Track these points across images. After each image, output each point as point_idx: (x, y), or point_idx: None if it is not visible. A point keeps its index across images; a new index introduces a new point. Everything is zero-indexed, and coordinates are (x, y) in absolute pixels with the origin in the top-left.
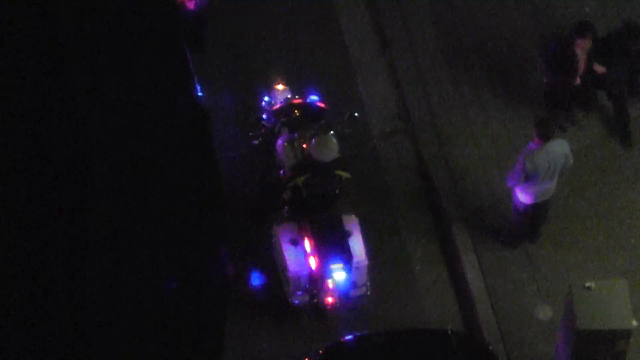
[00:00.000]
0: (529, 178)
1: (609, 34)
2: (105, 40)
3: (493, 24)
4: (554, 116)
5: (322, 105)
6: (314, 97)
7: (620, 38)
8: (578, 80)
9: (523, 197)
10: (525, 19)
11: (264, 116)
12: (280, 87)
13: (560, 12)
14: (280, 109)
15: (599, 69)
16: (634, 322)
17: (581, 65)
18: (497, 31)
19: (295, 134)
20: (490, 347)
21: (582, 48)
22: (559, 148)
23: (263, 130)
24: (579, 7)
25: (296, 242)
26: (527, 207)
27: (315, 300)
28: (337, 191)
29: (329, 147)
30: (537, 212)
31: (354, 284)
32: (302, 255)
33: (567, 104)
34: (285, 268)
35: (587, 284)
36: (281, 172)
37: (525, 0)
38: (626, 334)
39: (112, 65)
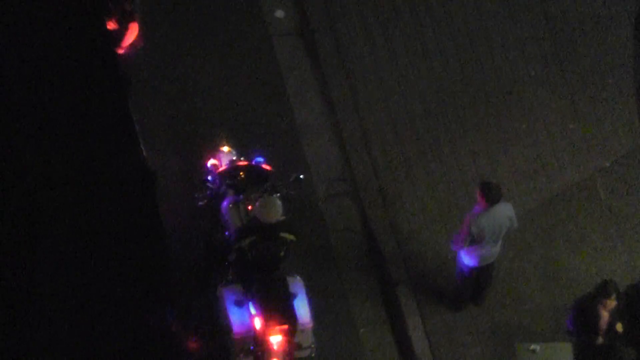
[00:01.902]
0: (474, 241)
1: (629, 288)
2: (50, 95)
3: (437, 87)
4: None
5: (267, 167)
6: (259, 159)
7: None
8: (601, 340)
9: (468, 260)
10: (472, 79)
11: (209, 178)
12: (225, 149)
13: (503, 67)
14: (226, 171)
15: (621, 328)
16: None
17: (603, 325)
18: (441, 93)
19: (241, 196)
20: None
21: (606, 308)
22: (504, 211)
23: (208, 192)
24: (525, 70)
25: (241, 304)
26: (472, 270)
27: None
28: (282, 253)
29: (274, 209)
30: (481, 275)
31: (298, 346)
32: (247, 317)
33: None
34: (230, 329)
35: (532, 347)
36: (227, 233)
37: (469, 62)
38: None
39: (56, 126)
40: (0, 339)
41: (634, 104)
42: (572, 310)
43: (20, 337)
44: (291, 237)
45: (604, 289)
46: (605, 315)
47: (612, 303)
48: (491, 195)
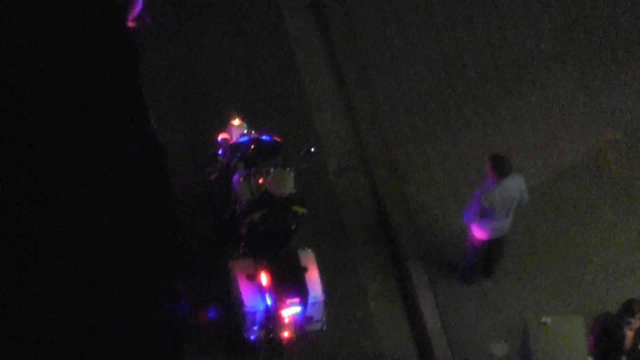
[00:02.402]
0: (485, 214)
1: None
2: (59, 72)
3: (448, 62)
4: None
5: (278, 140)
6: (270, 133)
7: None
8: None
9: (479, 233)
10: (482, 53)
11: (220, 151)
12: (236, 122)
13: (514, 41)
14: (236, 144)
15: None
16: (589, 358)
17: (627, 345)
18: (453, 67)
19: (252, 169)
20: None
21: (631, 327)
22: (515, 184)
23: (219, 165)
24: (536, 43)
25: (252, 278)
26: (483, 243)
27: (271, 336)
28: (293, 227)
29: (285, 182)
30: (492, 248)
31: (309, 320)
32: (258, 291)
33: None
34: (241, 303)
35: (543, 320)
36: (238, 207)
37: (480, 36)
38: None
39: (67, 101)
40: (9, 311)
41: None
42: (592, 329)
43: (28, 313)
44: (302, 210)
45: (628, 308)
46: (629, 334)
47: (636, 322)
48: (502, 168)
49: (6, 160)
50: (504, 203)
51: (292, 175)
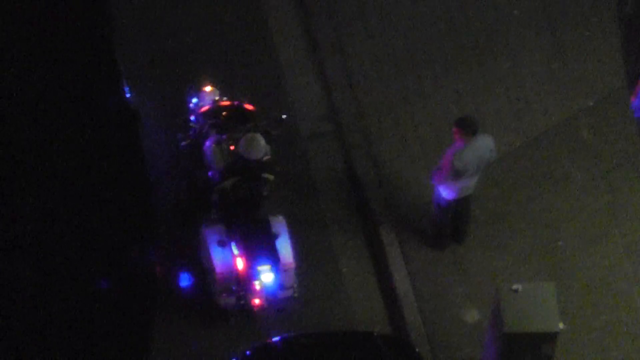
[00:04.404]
0: (457, 176)
1: None
2: (32, 38)
3: (421, 28)
4: None
5: (250, 106)
6: (242, 99)
7: None
8: None
9: (446, 192)
10: (456, 19)
11: (192, 117)
12: (208, 88)
13: (487, 7)
14: (208, 110)
15: None
16: (561, 325)
17: None
18: (427, 33)
19: (224, 136)
20: (417, 350)
21: None
22: (485, 143)
23: (191, 131)
24: (509, 9)
25: (224, 244)
26: (450, 203)
27: (242, 302)
28: (265, 193)
29: (257, 145)
30: (459, 208)
31: (281, 286)
32: (229, 257)
33: None
34: (212, 269)
35: (515, 287)
36: (209, 173)
37: (453, 2)
38: (553, 336)
39: (40, 65)
40: None
41: (618, 43)
42: None
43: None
44: (271, 177)
45: None
46: None
47: None
48: (470, 127)
49: None
50: (476, 163)
51: (263, 141)
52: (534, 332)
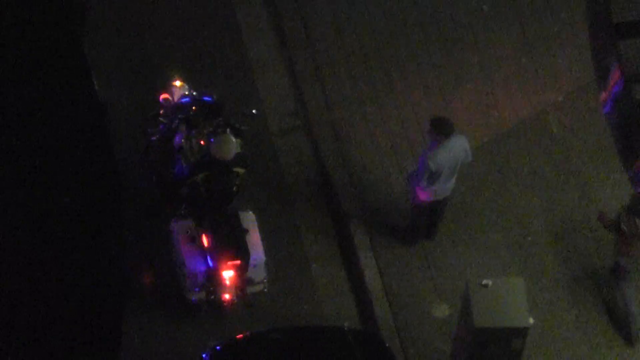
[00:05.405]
0: (432, 177)
1: None
2: (4, 32)
3: (390, 23)
4: None
5: (219, 101)
6: (211, 94)
7: None
8: None
9: (423, 195)
10: (425, 14)
11: (162, 112)
12: (178, 83)
13: (456, 1)
14: (178, 105)
15: None
16: (531, 320)
17: None
18: (396, 28)
19: (193, 131)
20: (387, 345)
21: None
22: (459, 144)
23: (161, 126)
24: (478, 3)
25: (193, 239)
26: (427, 205)
27: (212, 297)
28: (235, 188)
29: (229, 145)
30: (435, 210)
31: (250, 281)
32: (199, 252)
33: None
34: (182, 264)
35: (484, 282)
36: (179, 168)
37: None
38: (523, 331)
39: (10, 61)
40: None
41: (587, 39)
42: None
43: None
44: (241, 170)
45: None
46: None
47: None
48: (444, 128)
49: None
50: (451, 164)
51: (234, 140)
52: (504, 327)
